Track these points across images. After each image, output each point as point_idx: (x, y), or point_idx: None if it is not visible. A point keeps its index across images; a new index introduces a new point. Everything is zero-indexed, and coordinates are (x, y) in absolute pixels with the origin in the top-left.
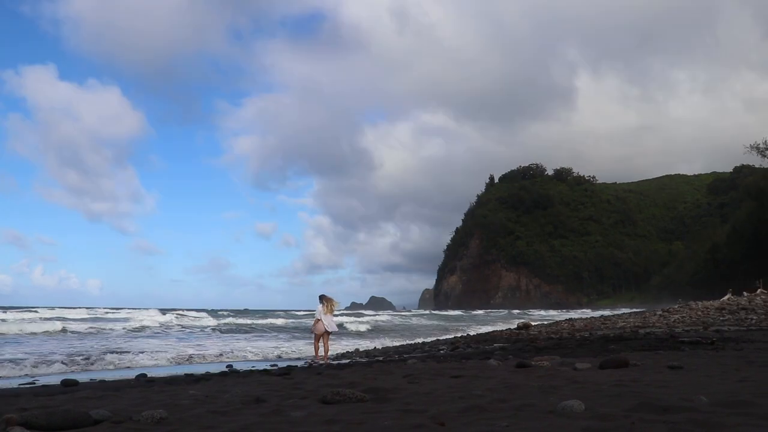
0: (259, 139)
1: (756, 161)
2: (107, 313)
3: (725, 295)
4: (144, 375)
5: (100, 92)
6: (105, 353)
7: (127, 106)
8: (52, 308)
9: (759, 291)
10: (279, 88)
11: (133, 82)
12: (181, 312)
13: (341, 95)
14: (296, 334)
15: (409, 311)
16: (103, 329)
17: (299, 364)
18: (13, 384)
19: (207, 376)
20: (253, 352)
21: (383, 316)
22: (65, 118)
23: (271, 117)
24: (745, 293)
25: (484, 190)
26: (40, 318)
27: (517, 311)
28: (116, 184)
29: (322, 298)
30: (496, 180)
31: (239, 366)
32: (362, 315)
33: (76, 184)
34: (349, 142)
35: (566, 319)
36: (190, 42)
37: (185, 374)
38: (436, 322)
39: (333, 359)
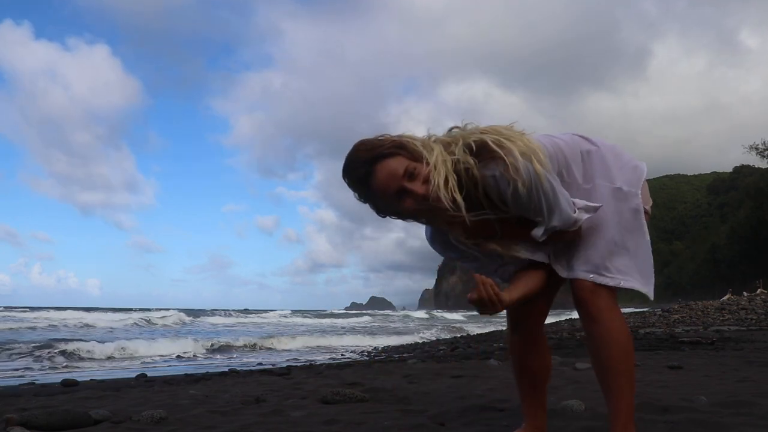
0: (265, 116)
1: (755, 161)
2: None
3: (725, 295)
4: (144, 375)
5: (85, 53)
6: None
7: (118, 69)
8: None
9: (759, 291)
10: (288, 55)
11: (123, 39)
12: None
13: (361, 63)
14: None
15: (409, 311)
16: None
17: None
18: (13, 383)
19: (207, 376)
20: None
21: (383, 316)
22: (46, 86)
23: (279, 89)
24: (744, 293)
25: None
26: None
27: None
28: (109, 168)
29: None
30: None
31: (240, 366)
32: (362, 315)
33: (65, 170)
34: (368, 119)
35: (566, 319)
36: None
37: (185, 374)
38: (435, 322)
39: (332, 360)
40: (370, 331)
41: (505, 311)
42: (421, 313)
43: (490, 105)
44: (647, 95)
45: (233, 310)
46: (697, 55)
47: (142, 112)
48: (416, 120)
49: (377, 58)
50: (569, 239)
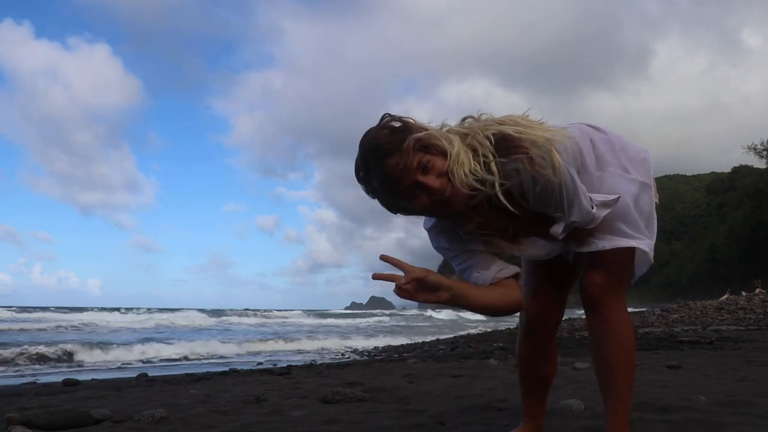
0: (265, 115)
1: (754, 161)
2: None
3: (724, 294)
4: (145, 374)
5: (85, 52)
6: None
7: (119, 69)
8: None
9: (757, 291)
10: (288, 55)
11: (123, 38)
12: None
13: (361, 63)
14: None
15: (409, 311)
16: None
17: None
18: (15, 383)
19: (207, 376)
20: None
21: (383, 316)
22: (46, 86)
23: (280, 88)
24: (743, 293)
25: None
26: None
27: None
28: (110, 168)
29: None
30: None
31: (239, 365)
32: (362, 314)
33: (65, 169)
34: (369, 118)
35: (565, 319)
36: None
37: (185, 374)
38: (436, 323)
39: (333, 359)
40: (410, 331)
41: (518, 315)
42: (448, 314)
43: (490, 105)
44: (648, 95)
45: (252, 310)
46: (699, 54)
47: (142, 111)
48: (417, 120)
49: (378, 57)
50: (584, 237)
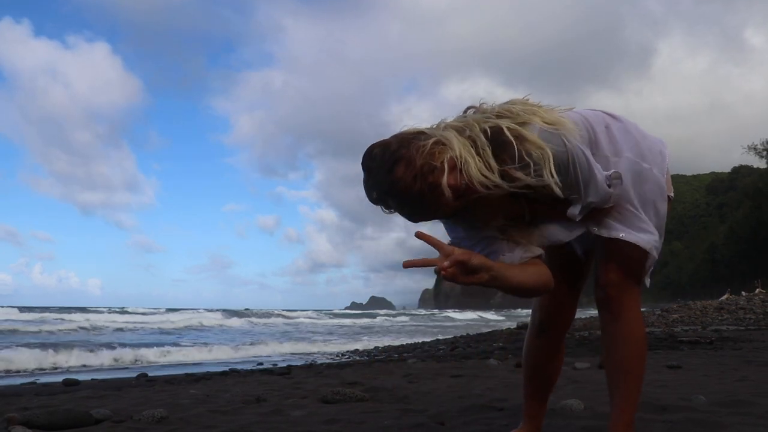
0: (266, 115)
1: (754, 161)
2: None
3: (724, 294)
4: (145, 374)
5: (85, 51)
6: None
7: (118, 68)
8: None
9: (757, 291)
10: (289, 54)
11: (123, 37)
12: None
13: (362, 61)
14: None
15: (410, 311)
16: None
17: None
18: (15, 383)
19: (207, 376)
20: None
21: (383, 316)
22: (46, 85)
23: (280, 87)
24: (743, 293)
25: None
26: None
27: (517, 311)
28: (110, 167)
29: None
30: None
31: (240, 366)
32: (362, 315)
33: (65, 169)
34: (370, 118)
35: None
36: None
37: (185, 374)
38: (436, 322)
39: (334, 358)
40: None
41: (528, 315)
42: (469, 314)
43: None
44: (650, 94)
45: (267, 311)
46: (701, 53)
47: (142, 110)
48: (418, 119)
49: (379, 56)
50: (601, 218)
